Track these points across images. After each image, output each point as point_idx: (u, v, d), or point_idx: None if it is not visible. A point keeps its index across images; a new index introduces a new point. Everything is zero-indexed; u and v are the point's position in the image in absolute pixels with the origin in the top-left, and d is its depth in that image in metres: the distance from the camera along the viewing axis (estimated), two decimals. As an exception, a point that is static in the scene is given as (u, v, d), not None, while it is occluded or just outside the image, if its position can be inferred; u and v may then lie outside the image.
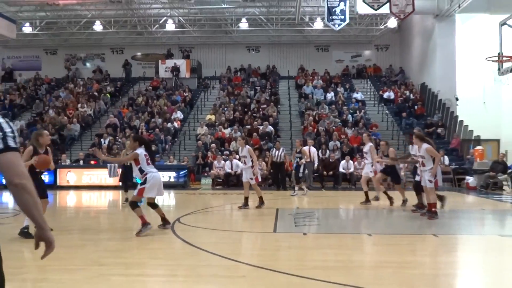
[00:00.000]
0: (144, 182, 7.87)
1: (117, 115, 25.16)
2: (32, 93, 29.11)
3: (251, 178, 11.44)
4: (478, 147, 19.86)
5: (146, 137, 22.18)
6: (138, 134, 15.59)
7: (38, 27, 28.93)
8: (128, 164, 13.43)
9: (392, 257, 6.62)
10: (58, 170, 19.51)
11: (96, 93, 28.16)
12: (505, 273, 5.82)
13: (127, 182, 13.26)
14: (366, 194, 12.41)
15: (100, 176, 18.57)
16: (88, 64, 33.34)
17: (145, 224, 7.75)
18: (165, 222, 8.37)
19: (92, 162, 19.79)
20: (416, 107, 25.31)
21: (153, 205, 8.32)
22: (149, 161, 7.98)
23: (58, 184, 19.24)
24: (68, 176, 19.20)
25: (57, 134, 23.19)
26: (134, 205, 7.96)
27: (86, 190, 16.57)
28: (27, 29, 28.43)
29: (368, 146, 12.37)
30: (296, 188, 15.60)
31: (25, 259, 6.34)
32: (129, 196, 13.21)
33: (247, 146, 11.58)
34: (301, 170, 15.59)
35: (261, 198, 11.68)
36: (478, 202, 14.30)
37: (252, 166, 11.45)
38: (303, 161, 15.48)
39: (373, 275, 5.59)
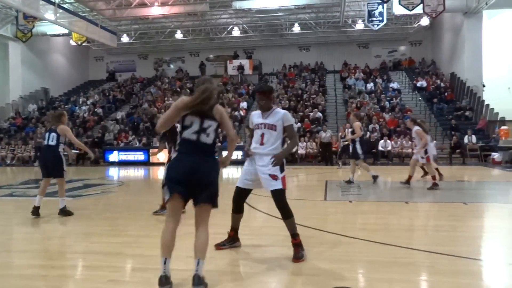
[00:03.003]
0: None
1: (195, 106, 25.60)
2: (129, 90, 30.22)
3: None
4: (503, 127, 18.62)
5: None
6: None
7: (133, 37, 29.93)
8: None
9: (426, 221, 6.37)
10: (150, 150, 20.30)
11: (178, 89, 28.83)
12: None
13: None
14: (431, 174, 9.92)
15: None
16: (171, 66, 34.10)
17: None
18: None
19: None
20: (446, 93, 23.92)
21: None
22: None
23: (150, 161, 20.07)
24: (159, 155, 19.80)
25: (149, 122, 24.06)
26: None
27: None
28: (124, 39, 29.49)
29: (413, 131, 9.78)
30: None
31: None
32: None
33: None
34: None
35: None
36: (504, 175, 13.40)
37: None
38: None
39: (409, 236, 5.40)
